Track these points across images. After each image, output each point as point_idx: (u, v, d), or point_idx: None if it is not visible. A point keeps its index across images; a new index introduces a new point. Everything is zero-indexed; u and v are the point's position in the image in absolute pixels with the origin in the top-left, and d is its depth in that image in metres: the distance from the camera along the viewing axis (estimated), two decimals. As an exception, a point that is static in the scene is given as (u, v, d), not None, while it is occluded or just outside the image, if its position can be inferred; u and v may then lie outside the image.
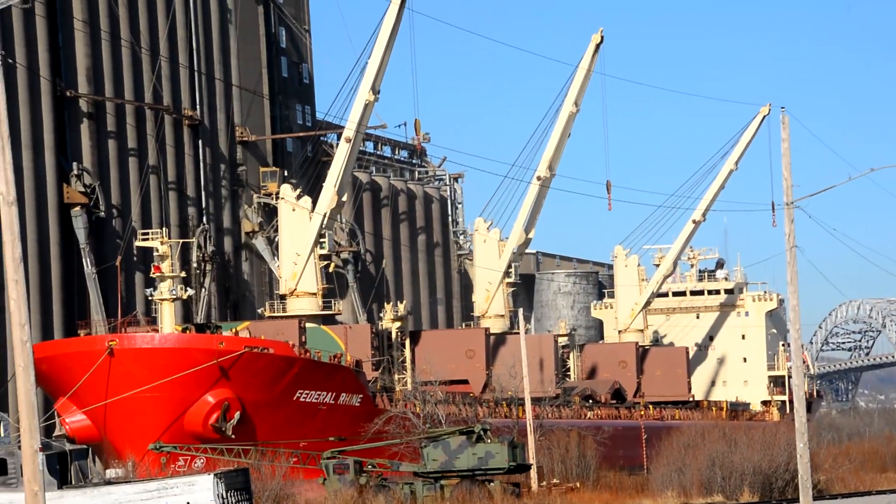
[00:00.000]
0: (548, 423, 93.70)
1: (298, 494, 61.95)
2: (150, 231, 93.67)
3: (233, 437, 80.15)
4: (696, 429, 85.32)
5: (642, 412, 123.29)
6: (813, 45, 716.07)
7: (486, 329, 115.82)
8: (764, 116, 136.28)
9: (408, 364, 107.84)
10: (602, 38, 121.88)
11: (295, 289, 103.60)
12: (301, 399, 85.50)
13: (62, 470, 43.80)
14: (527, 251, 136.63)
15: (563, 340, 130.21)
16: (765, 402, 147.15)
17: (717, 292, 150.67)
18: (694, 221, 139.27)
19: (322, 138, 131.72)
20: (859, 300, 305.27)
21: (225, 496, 42.55)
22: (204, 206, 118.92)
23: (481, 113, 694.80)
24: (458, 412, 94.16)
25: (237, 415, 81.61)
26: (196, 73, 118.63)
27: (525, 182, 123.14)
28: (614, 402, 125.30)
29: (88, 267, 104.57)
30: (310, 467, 72.37)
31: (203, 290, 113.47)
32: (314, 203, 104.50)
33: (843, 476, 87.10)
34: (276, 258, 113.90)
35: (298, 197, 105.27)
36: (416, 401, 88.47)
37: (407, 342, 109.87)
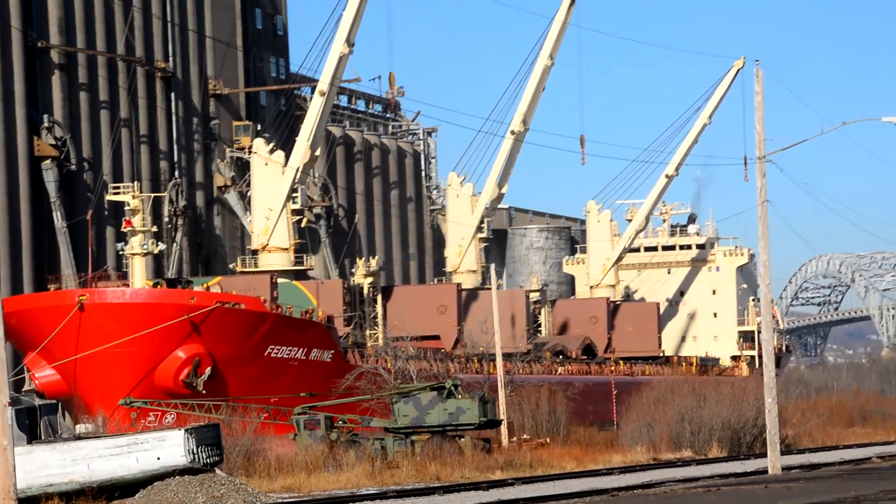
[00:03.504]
0: (518, 379, 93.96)
1: (269, 450, 61.98)
2: (121, 185, 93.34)
3: (203, 392, 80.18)
4: (665, 384, 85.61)
5: (613, 368, 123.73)
6: None
7: (458, 284, 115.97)
8: (738, 69, 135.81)
9: (379, 319, 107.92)
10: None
11: (267, 244, 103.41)
12: (272, 354, 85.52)
13: (31, 425, 43.76)
14: (499, 206, 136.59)
15: (534, 296, 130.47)
16: (734, 358, 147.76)
17: (689, 247, 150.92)
18: (667, 176, 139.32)
19: (296, 92, 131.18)
20: (829, 255, 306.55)
21: (195, 451, 42.58)
22: (176, 159, 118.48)
23: (456, 67, 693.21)
24: (430, 368, 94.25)
25: (208, 370, 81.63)
26: (169, 24, 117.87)
27: (499, 136, 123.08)
28: (585, 357, 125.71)
29: (59, 221, 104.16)
30: (281, 423, 72.47)
31: (174, 244, 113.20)
32: (287, 157, 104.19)
33: (811, 430, 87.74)
34: (248, 213, 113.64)
35: (271, 151, 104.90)
36: (388, 356, 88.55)
37: (379, 298, 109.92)
